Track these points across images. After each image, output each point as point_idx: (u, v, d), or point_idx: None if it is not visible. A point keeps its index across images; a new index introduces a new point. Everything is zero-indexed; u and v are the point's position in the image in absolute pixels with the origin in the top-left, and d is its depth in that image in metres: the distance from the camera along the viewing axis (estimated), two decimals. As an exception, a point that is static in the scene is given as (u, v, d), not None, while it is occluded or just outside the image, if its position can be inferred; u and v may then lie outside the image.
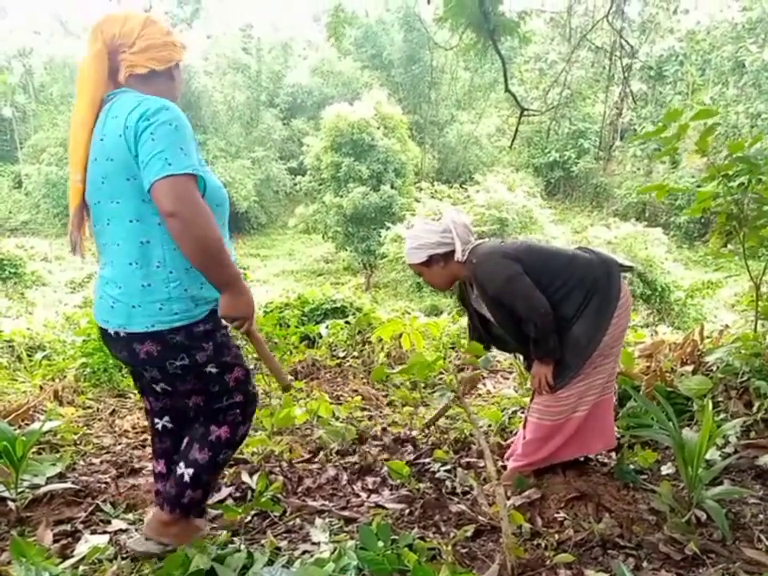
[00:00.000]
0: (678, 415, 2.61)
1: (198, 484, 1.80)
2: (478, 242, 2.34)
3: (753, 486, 2.27)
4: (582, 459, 2.52)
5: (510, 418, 3.13)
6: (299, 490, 2.35)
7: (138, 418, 3.40)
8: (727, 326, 3.96)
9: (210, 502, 2.18)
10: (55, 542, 1.97)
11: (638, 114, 25.90)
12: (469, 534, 1.94)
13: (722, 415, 2.72)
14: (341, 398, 3.85)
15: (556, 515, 2.11)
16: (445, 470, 2.49)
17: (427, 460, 2.62)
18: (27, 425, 3.03)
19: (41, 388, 4.05)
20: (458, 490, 2.31)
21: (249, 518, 2.12)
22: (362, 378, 4.35)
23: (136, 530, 2.01)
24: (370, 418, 3.39)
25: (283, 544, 1.90)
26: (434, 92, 31.94)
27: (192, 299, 1.65)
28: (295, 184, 28.28)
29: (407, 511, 2.14)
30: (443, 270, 2.33)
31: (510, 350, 2.73)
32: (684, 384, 2.91)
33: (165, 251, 1.61)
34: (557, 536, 1.94)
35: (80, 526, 2.10)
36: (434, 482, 2.40)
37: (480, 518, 2.06)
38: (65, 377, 4.37)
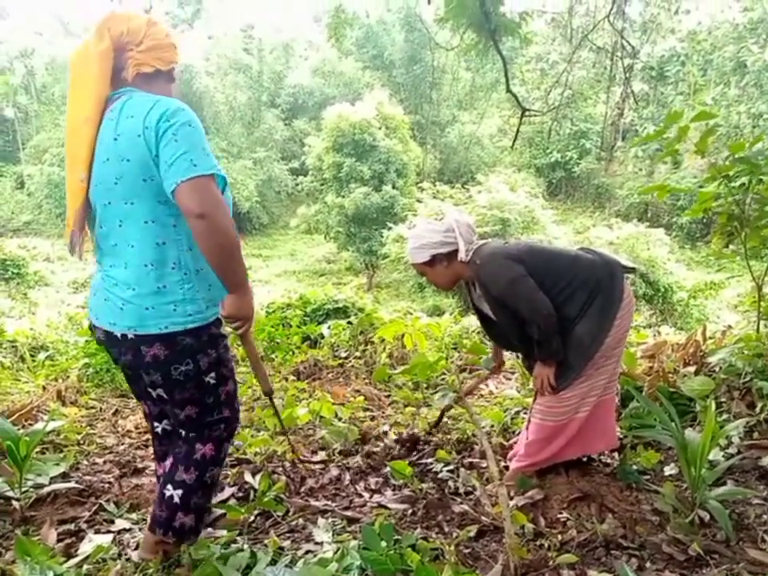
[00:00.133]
0: (681, 416, 2.61)
1: (189, 507, 1.76)
2: (481, 242, 2.34)
3: (756, 486, 2.26)
4: (584, 460, 2.52)
5: (512, 419, 3.13)
6: (302, 489, 2.36)
7: (141, 418, 3.40)
8: (730, 327, 3.96)
9: (213, 501, 2.20)
10: (59, 541, 1.98)
11: (640, 115, 25.87)
12: (472, 534, 1.94)
13: (725, 416, 2.72)
14: (342, 398, 3.85)
15: (559, 516, 2.11)
16: (447, 471, 2.49)
17: (430, 460, 2.62)
18: (31, 425, 3.05)
19: (44, 388, 4.06)
20: (461, 491, 2.32)
21: (252, 517, 2.12)
22: (365, 379, 4.35)
23: (139, 529, 2.01)
24: (373, 418, 3.39)
25: (286, 544, 1.91)
26: (435, 92, 31.94)
27: (203, 300, 1.66)
28: (297, 184, 28.29)
29: (410, 511, 2.15)
30: (446, 269, 2.33)
31: (512, 349, 2.74)
32: (687, 385, 2.91)
33: (180, 252, 1.62)
34: (560, 536, 1.94)
35: (84, 526, 2.11)
36: (437, 482, 2.41)
37: (483, 518, 2.07)
38: (68, 377, 4.39)
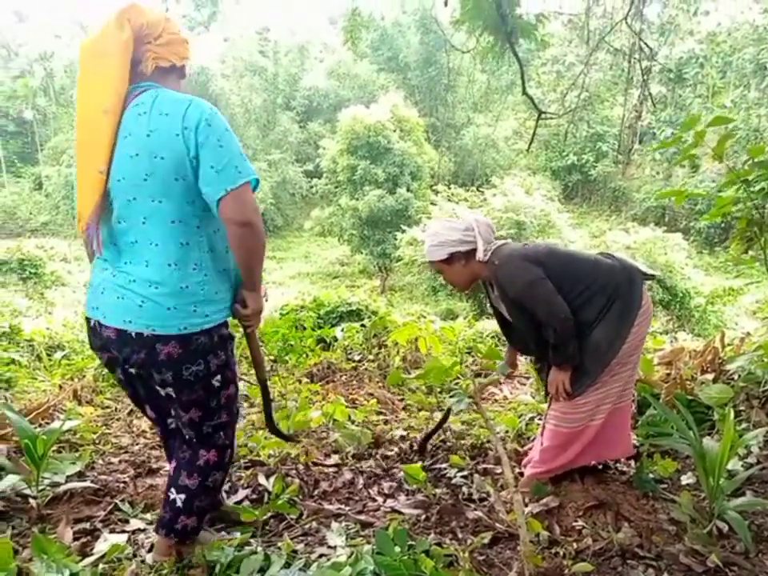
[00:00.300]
0: (699, 424, 2.58)
1: (191, 510, 1.78)
2: (500, 242, 2.32)
3: (776, 497, 2.23)
4: (600, 467, 2.50)
5: (526, 425, 3.10)
6: (315, 493, 2.36)
7: (156, 419, 3.42)
8: (749, 334, 3.90)
9: (230, 502, 2.20)
10: (75, 539, 1.99)
11: (658, 117, 25.66)
12: (486, 540, 1.93)
13: (744, 425, 2.68)
14: (356, 402, 3.85)
15: (574, 523, 2.09)
16: (461, 476, 2.48)
17: (443, 465, 2.61)
18: (47, 423, 3.07)
19: (60, 387, 4.10)
20: (475, 497, 2.30)
21: (265, 520, 2.13)
22: (378, 382, 4.34)
23: (154, 530, 2.02)
24: (386, 422, 3.38)
25: (300, 547, 1.91)
26: (450, 94, 31.94)
27: (220, 301, 1.69)
28: (311, 187, 28.43)
29: (423, 517, 2.14)
30: (464, 268, 2.32)
31: (528, 351, 2.72)
32: (705, 392, 2.88)
33: (201, 254, 1.64)
34: (575, 545, 1.92)
35: (99, 525, 2.12)
36: (451, 487, 2.39)
37: (497, 524, 2.05)
38: (83, 376, 4.42)
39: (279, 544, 1.91)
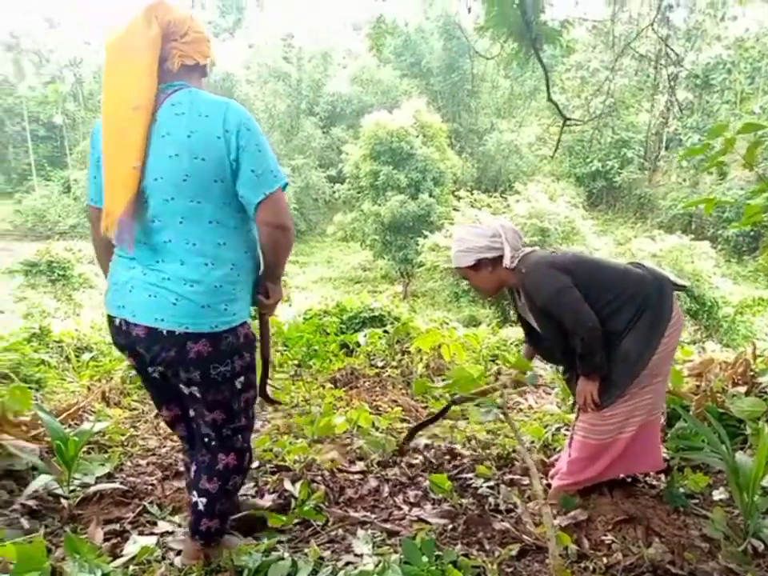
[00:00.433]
0: (730, 438, 2.52)
1: (213, 513, 1.80)
2: (527, 249, 2.30)
3: (812, 515, 2.17)
4: (629, 480, 2.46)
5: (553, 435, 3.07)
6: (341, 500, 2.36)
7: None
8: (781, 346, 3.82)
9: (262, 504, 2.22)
10: (105, 540, 2.02)
11: (684, 124, 25.33)
12: (514, 553, 1.91)
13: (778, 439, 2.61)
14: (380, 408, 3.84)
15: (603, 537, 2.06)
16: (488, 486, 2.46)
17: (469, 475, 2.59)
18: (77, 424, 3.13)
19: (88, 389, 4.16)
20: (502, 507, 2.28)
21: (291, 526, 2.13)
22: (401, 389, 4.33)
23: (183, 533, 2.04)
24: (410, 429, 3.37)
25: (326, 554, 1.91)
26: (473, 100, 31.88)
27: (245, 299, 1.74)
28: (334, 192, 28.57)
29: (450, 527, 2.12)
30: (491, 275, 2.30)
31: (555, 361, 2.69)
32: (736, 405, 2.82)
33: (237, 254, 1.68)
34: (605, 559, 1.90)
35: (128, 526, 2.14)
36: (477, 497, 2.37)
37: (525, 537, 2.03)
38: (111, 378, 4.48)
39: (306, 550, 1.91)
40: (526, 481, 2.50)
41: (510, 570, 1.84)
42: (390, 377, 4.62)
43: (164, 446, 3.08)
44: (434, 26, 32.26)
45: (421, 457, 2.81)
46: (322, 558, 1.86)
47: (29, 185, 35.52)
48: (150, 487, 2.48)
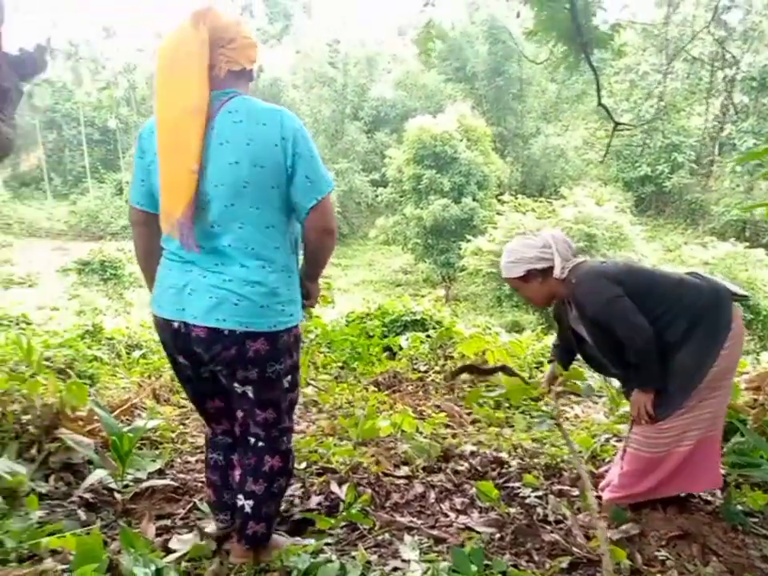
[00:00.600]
0: (793, 455, 2.42)
1: (260, 516, 1.82)
2: (578, 260, 2.28)
3: None
4: (682, 495, 2.38)
5: (601, 446, 3.00)
6: (387, 504, 2.35)
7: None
8: None
9: (303, 508, 2.24)
10: (156, 536, 2.06)
11: (739, 128, 24.45)
12: (564, 565, 1.87)
13: None
14: (423, 413, 3.83)
15: (657, 553, 2.00)
16: (536, 496, 2.41)
17: (517, 484, 2.55)
18: (129, 420, 3.21)
19: (139, 385, 4.27)
20: (551, 518, 2.23)
21: (337, 528, 2.14)
22: (444, 394, 4.31)
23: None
24: (454, 435, 3.34)
25: (373, 558, 1.90)
26: (519, 104, 31.55)
27: (299, 302, 1.79)
28: (377, 196, 28.72)
29: (497, 536, 2.09)
30: (541, 286, 2.28)
31: (608, 373, 2.63)
32: (798, 421, 2.70)
33: (288, 256, 1.74)
34: (659, 576, 1.84)
35: (179, 523, 2.19)
36: (525, 507, 2.33)
37: (575, 549, 1.98)
38: (160, 375, 4.60)
39: (353, 554, 1.92)
40: (575, 492, 2.45)
41: (560, 583, 1.80)
42: (433, 381, 4.60)
43: (212, 444, 3.13)
44: (478, 31, 32.11)
45: (466, 464, 2.78)
46: (369, 563, 1.86)
47: (83, 187, 36.90)
48: (199, 484, 2.53)
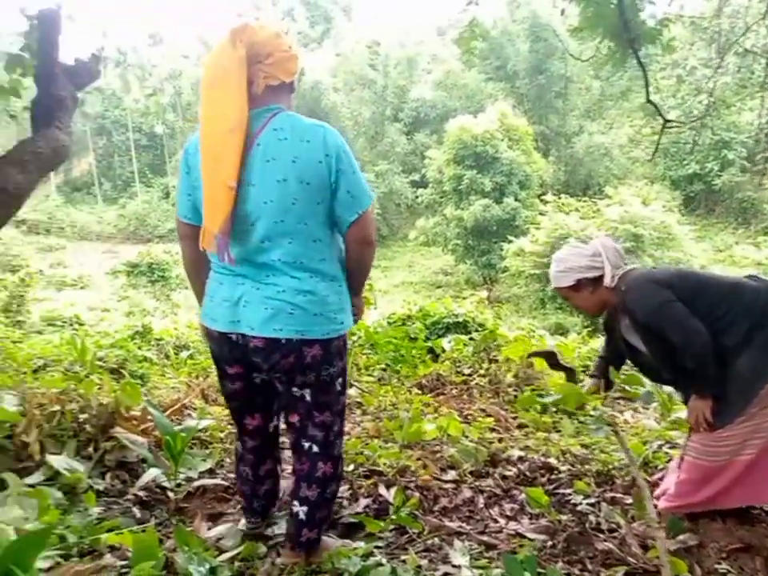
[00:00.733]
0: None
1: (314, 522, 1.85)
2: (628, 267, 2.24)
3: None
4: (743, 506, 2.29)
5: (654, 453, 2.91)
6: (435, 508, 2.34)
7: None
8: None
9: (351, 511, 2.24)
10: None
11: (794, 123, 23.46)
12: (619, 575, 1.82)
13: None
14: (468, 417, 3.79)
15: (717, 566, 1.93)
16: (588, 504, 2.36)
17: (567, 491, 2.50)
18: (179, 420, 3.28)
19: (188, 385, 4.36)
20: (604, 527, 2.18)
21: (386, 532, 2.13)
22: (490, 398, 4.26)
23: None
24: (500, 440, 3.30)
25: (424, 563, 1.89)
26: (561, 102, 31.06)
27: (349, 310, 1.83)
28: (417, 197, 28.71)
29: (549, 543, 2.05)
30: (592, 295, 2.26)
31: (662, 381, 2.56)
32: None
33: (334, 267, 1.78)
34: (721, 590, 1.77)
35: (230, 522, 2.22)
36: (576, 514, 2.28)
37: (630, 559, 1.93)
38: (207, 376, 4.69)
39: (403, 558, 1.91)
40: (628, 500, 2.39)
41: (616, 593, 1.75)
42: (478, 385, 4.55)
43: (260, 445, 3.17)
44: (519, 29, 31.76)
45: (514, 469, 2.75)
46: (419, 567, 1.85)
47: (132, 191, 38.08)
48: (248, 485, 2.56)
